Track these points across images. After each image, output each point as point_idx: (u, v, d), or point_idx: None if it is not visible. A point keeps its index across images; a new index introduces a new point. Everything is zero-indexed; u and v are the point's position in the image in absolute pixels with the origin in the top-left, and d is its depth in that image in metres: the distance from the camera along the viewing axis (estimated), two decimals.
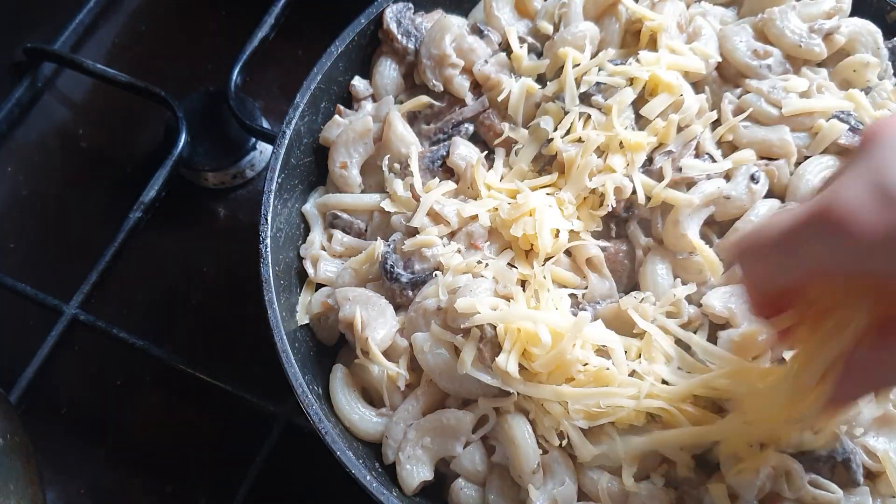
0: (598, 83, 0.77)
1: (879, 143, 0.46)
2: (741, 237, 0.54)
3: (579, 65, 0.78)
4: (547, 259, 0.73)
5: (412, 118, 0.83)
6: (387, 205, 0.79)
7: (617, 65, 0.78)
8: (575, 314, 0.70)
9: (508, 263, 0.74)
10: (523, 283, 0.73)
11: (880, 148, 0.46)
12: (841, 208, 0.45)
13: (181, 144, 0.96)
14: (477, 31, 0.84)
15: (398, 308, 0.75)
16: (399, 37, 0.84)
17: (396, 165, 0.80)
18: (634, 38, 0.81)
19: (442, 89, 0.82)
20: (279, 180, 0.79)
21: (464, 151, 0.79)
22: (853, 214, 0.45)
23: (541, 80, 0.82)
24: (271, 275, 0.75)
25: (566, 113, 0.77)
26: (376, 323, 0.72)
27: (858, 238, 0.45)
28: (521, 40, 0.84)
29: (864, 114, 0.76)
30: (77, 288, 0.90)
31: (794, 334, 0.58)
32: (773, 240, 0.50)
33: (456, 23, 0.84)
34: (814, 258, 0.49)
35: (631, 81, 0.76)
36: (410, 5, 0.86)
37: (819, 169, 0.75)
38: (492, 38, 0.84)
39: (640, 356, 0.69)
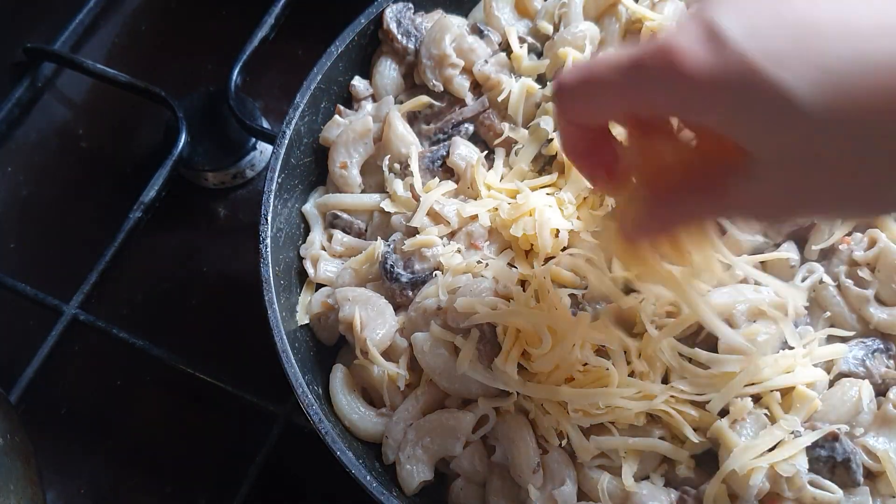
0: None
1: None
2: (566, 72, 0.54)
3: None
4: (547, 259, 0.73)
5: (412, 118, 0.84)
6: (387, 205, 0.79)
7: None
8: (574, 314, 0.70)
9: (508, 263, 0.74)
10: (523, 283, 0.73)
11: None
12: (674, 46, 0.46)
13: (181, 144, 0.96)
14: (477, 31, 0.84)
15: (398, 308, 0.75)
16: (399, 37, 0.84)
17: (396, 165, 0.81)
18: (635, 38, 0.81)
19: (442, 89, 0.82)
20: (279, 180, 0.79)
21: (464, 151, 0.79)
22: (684, 52, 0.45)
23: (541, 79, 0.82)
24: (271, 275, 0.75)
25: None
26: (375, 323, 0.72)
27: (687, 75, 0.45)
28: (521, 40, 0.84)
29: None
30: (77, 288, 0.90)
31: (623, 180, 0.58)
32: (601, 75, 0.50)
33: (456, 23, 0.84)
34: (640, 96, 0.49)
35: None
36: (410, 5, 0.86)
37: None
38: (492, 38, 0.84)
39: (639, 356, 0.69)
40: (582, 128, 0.56)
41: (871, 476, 0.68)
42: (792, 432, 0.65)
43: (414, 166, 0.78)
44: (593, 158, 0.58)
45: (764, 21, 0.45)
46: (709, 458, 0.68)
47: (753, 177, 0.48)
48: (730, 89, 0.45)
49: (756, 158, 0.47)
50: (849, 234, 0.73)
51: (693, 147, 0.53)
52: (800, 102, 0.43)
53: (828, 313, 0.72)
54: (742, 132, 0.47)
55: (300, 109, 0.82)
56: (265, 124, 1.01)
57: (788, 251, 0.73)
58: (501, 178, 0.78)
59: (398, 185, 0.79)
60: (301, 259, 0.81)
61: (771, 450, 0.65)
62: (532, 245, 0.73)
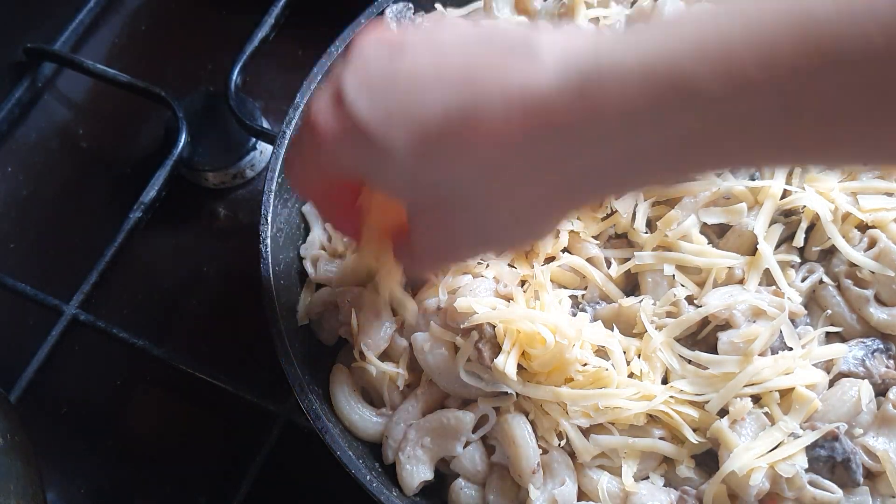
0: None
1: (351, 53, 0.53)
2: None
3: None
4: (548, 260, 0.73)
5: None
6: None
7: None
8: (574, 314, 0.70)
9: (508, 264, 0.74)
10: (523, 283, 0.73)
11: (350, 56, 0.53)
12: (311, 115, 0.53)
13: (181, 144, 0.96)
14: None
15: None
16: None
17: None
18: None
19: None
20: (279, 180, 0.79)
21: None
22: (318, 119, 0.52)
23: None
24: (271, 275, 0.75)
25: None
26: (372, 326, 0.73)
27: (323, 140, 0.52)
28: None
29: None
30: (77, 288, 0.90)
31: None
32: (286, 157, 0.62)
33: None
34: (307, 157, 0.57)
35: None
36: (410, 5, 0.86)
37: None
38: None
39: (639, 356, 0.69)
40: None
41: (871, 476, 0.68)
42: (791, 433, 0.66)
43: None
44: (328, 202, 0.65)
45: (377, 81, 0.50)
46: (709, 459, 0.68)
47: (411, 226, 0.57)
48: (352, 147, 0.51)
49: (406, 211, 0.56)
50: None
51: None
52: (396, 152, 0.49)
53: (829, 311, 0.72)
54: (375, 185, 0.56)
55: (300, 109, 0.81)
56: (265, 124, 1.01)
57: (788, 252, 0.73)
58: None
59: None
60: (301, 259, 0.81)
61: (771, 450, 0.65)
62: (532, 245, 0.73)
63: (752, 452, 0.64)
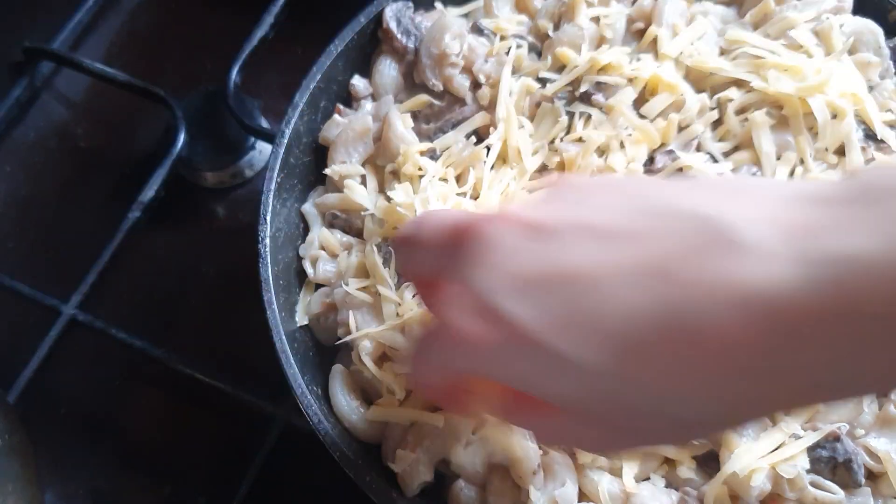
0: (598, 82, 0.77)
1: (471, 249, 0.47)
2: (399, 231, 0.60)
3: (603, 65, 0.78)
4: None
5: (412, 117, 0.83)
6: (378, 211, 0.78)
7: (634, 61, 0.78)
8: None
9: None
10: None
11: (474, 256, 0.46)
12: (453, 323, 0.46)
13: (180, 144, 0.96)
14: (477, 30, 0.84)
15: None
16: (399, 36, 0.84)
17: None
18: (636, 38, 0.81)
19: (442, 88, 0.82)
20: (278, 180, 0.79)
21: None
22: (463, 328, 0.46)
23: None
24: (270, 275, 0.75)
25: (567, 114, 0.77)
26: (370, 328, 0.72)
27: (474, 351, 0.46)
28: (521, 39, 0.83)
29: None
30: (75, 288, 0.90)
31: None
32: (412, 356, 0.54)
33: (456, 22, 0.84)
34: (446, 364, 0.50)
35: (631, 81, 0.76)
36: (410, 4, 0.86)
37: None
38: (492, 37, 0.84)
39: None
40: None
41: (873, 477, 0.67)
42: (792, 434, 0.65)
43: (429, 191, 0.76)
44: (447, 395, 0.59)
45: (533, 279, 0.43)
46: (710, 459, 0.68)
47: (561, 420, 0.49)
48: (518, 360, 0.45)
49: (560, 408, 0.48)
50: None
51: None
52: (590, 366, 0.43)
53: None
54: (541, 393, 0.47)
55: (299, 109, 0.81)
56: (264, 124, 1.01)
57: None
58: (492, 166, 0.77)
59: (398, 194, 0.76)
60: (300, 259, 0.81)
61: (773, 451, 0.65)
62: None
63: (754, 453, 0.64)
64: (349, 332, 0.73)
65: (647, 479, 0.68)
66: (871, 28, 0.80)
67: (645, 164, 0.74)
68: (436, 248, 0.51)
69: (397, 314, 0.72)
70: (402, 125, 0.80)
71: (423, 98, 0.83)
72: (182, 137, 0.96)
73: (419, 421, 0.70)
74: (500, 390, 0.54)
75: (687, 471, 0.67)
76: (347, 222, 0.81)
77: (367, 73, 0.87)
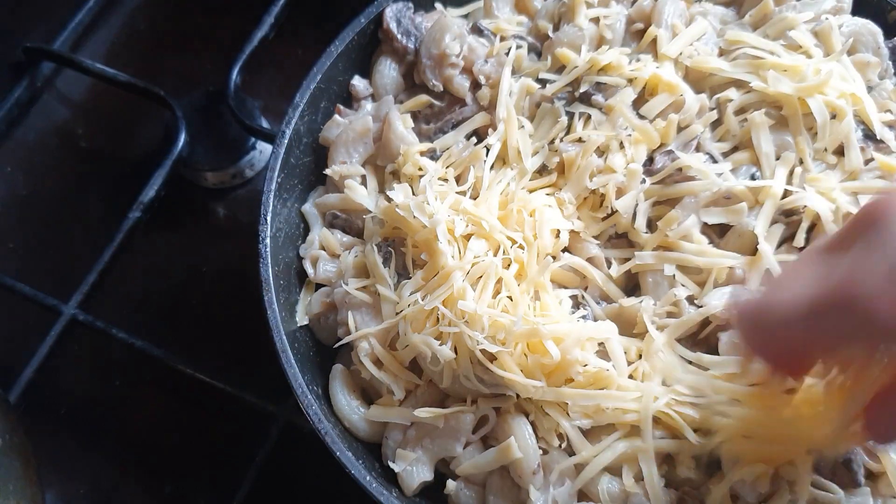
0: (597, 83, 0.77)
1: (887, 223, 0.48)
2: (740, 311, 0.56)
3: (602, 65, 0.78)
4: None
5: (412, 117, 0.83)
6: (377, 211, 0.78)
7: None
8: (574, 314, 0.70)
9: None
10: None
11: (889, 228, 0.47)
12: (864, 296, 0.47)
13: (181, 144, 0.96)
14: (477, 31, 0.84)
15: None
16: (399, 36, 0.84)
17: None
18: (636, 38, 0.81)
19: (442, 89, 0.82)
20: (279, 180, 0.79)
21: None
22: (876, 301, 0.46)
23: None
24: (271, 275, 0.75)
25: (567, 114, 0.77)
26: (368, 328, 0.72)
27: (883, 323, 0.47)
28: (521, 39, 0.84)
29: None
30: (76, 288, 0.90)
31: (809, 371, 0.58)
32: (784, 320, 0.52)
33: (456, 22, 0.84)
34: (832, 337, 0.51)
35: (630, 81, 0.77)
36: (410, 5, 0.86)
37: None
38: (492, 38, 0.84)
39: (640, 357, 0.69)
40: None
41: (872, 476, 0.67)
42: None
43: (428, 191, 0.76)
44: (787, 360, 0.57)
45: None
46: (710, 460, 0.68)
47: None
48: None
49: None
50: None
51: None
52: None
53: None
54: None
55: (300, 109, 0.81)
56: (265, 124, 1.01)
57: (789, 252, 0.73)
58: (492, 166, 0.77)
59: (398, 194, 0.76)
60: (300, 259, 0.81)
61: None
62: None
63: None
64: (349, 332, 0.73)
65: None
66: (870, 28, 0.80)
67: (644, 164, 0.74)
68: (808, 319, 0.50)
69: (396, 313, 0.72)
70: (402, 125, 0.80)
71: (424, 98, 0.83)
72: (182, 137, 0.96)
73: (419, 421, 0.70)
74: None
75: (686, 470, 0.67)
76: (347, 222, 0.81)
77: (367, 73, 0.87)
